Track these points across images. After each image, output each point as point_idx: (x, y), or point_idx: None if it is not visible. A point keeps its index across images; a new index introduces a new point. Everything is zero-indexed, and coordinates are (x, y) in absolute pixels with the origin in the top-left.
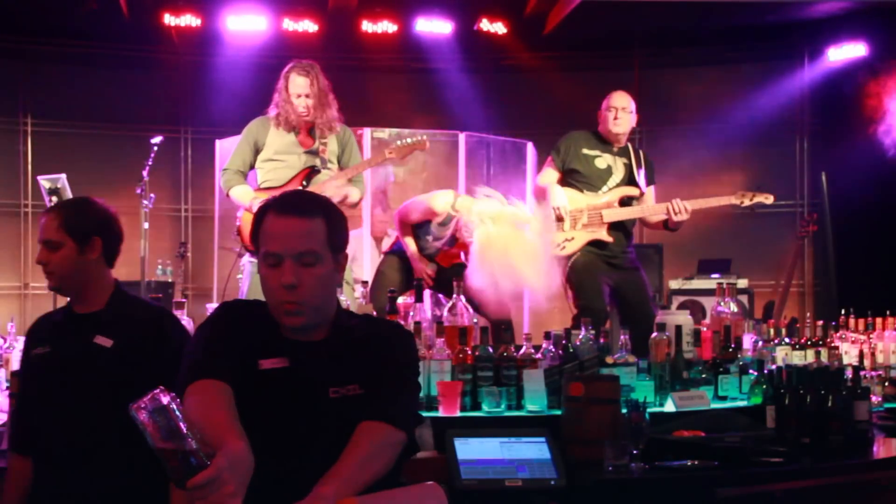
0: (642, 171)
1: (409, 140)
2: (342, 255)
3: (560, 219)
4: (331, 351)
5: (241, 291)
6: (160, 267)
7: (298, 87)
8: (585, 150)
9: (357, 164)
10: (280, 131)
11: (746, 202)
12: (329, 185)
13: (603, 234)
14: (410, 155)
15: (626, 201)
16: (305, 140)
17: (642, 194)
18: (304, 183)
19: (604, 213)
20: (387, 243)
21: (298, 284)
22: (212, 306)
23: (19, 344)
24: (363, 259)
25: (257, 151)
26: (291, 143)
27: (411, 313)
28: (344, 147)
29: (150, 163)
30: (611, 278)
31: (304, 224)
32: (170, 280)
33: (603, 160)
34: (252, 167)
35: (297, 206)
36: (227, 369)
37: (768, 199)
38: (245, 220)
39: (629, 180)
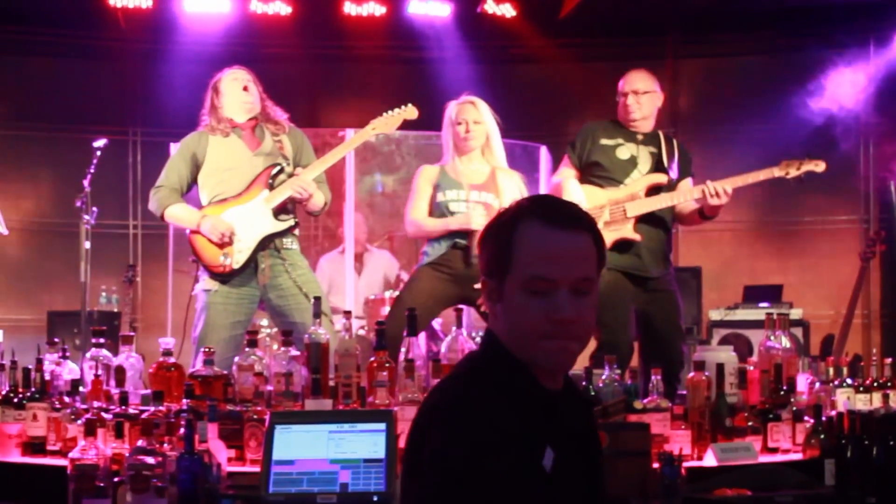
0: (674, 163)
1: (395, 111)
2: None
3: None
4: (577, 404)
5: (194, 328)
6: (104, 294)
7: (240, 79)
8: (604, 140)
9: (332, 152)
10: (220, 139)
11: (793, 172)
12: (294, 182)
13: (628, 231)
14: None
15: (653, 192)
16: (251, 141)
17: (671, 181)
18: (271, 182)
19: (627, 206)
20: (369, 258)
21: (576, 317)
22: (165, 341)
23: None
24: (344, 285)
25: (197, 167)
26: (237, 148)
27: (402, 349)
28: (299, 148)
29: (92, 170)
30: (639, 301)
31: (581, 242)
32: (115, 310)
33: (626, 149)
34: (191, 185)
35: (571, 218)
36: None
37: (819, 167)
38: (199, 242)
39: (656, 170)
